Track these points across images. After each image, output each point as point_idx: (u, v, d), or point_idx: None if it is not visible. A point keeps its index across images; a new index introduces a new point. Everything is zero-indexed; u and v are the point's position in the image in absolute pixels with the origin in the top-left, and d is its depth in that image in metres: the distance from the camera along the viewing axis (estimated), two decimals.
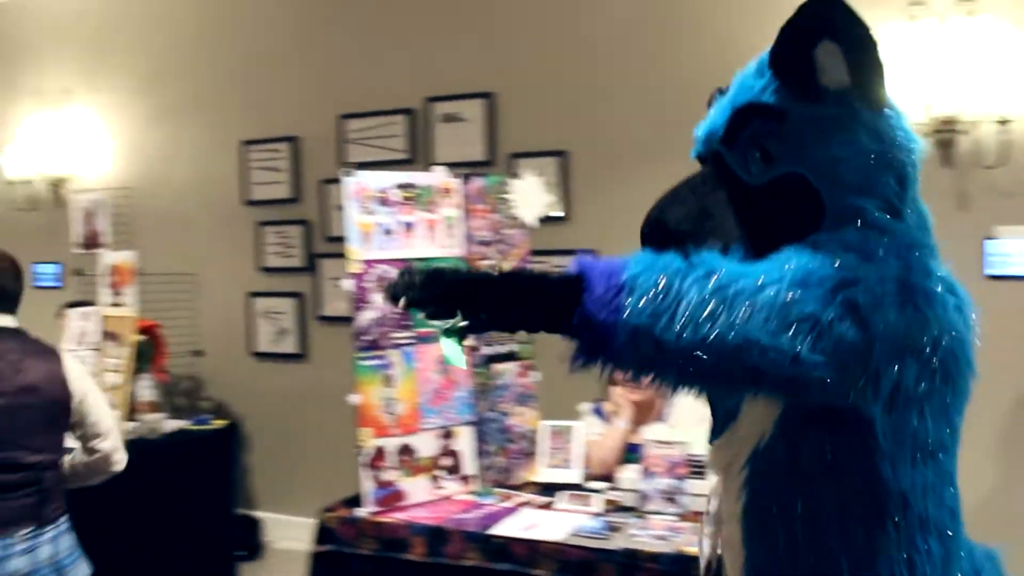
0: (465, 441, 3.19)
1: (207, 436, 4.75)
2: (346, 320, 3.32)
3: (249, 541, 5.21)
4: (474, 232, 3.26)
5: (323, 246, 5.26)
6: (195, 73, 5.63)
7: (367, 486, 3.01)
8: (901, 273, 1.30)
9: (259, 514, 5.41)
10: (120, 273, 4.39)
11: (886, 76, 1.40)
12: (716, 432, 1.57)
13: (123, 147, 5.90)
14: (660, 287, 1.23)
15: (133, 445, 4.28)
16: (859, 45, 1.36)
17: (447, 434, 3.16)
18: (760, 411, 1.43)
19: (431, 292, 1.29)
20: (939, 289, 1.32)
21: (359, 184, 3.15)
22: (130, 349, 4.23)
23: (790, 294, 1.24)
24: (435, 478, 3.14)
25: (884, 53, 1.38)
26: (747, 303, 1.23)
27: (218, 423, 4.85)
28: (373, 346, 3.06)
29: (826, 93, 1.38)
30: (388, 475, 3.04)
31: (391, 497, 3.03)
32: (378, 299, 3.04)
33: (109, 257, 4.44)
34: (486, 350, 3.24)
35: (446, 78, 4.89)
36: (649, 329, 1.22)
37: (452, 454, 3.17)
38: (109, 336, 4.31)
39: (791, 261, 1.29)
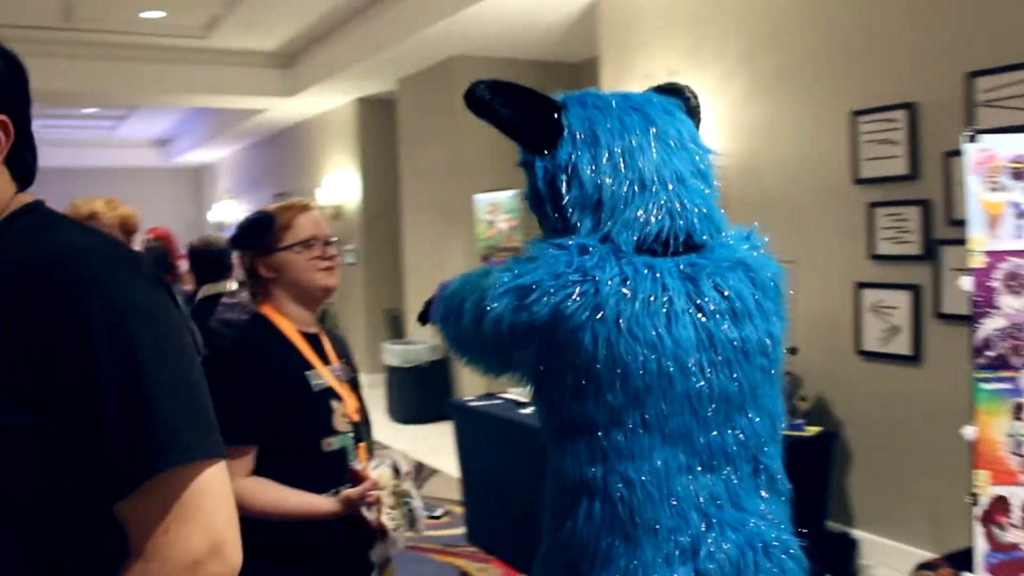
0: None
1: (798, 443, 4.25)
2: (970, 320, 2.60)
3: (841, 563, 4.62)
4: None
5: (946, 231, 4.44)
6: (798, 40, 5.13)
7: (980, 546, 2.30)
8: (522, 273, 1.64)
9: (857, 533, 4.78)
10: None
11: (541, 124, 1.71)
12: None
13: (723, 125, 5.61)
14: (445, 305, 1.95)
15: None
16: (488, 115, 1.75)
17: None
18: None
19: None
20: (567, 279, 1.58)
21: (985, 152, 2.44)
22: None
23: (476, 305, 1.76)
24: None
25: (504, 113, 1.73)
26: (462, 314, 1.83)
27: (811, 430, 4.32)
28: (998, 364, 2.34)
29: (520, 151, 1.80)
30: (1011, 535, 2.31)
31: (1010, 566, 2.28)
32: (1008, 303, 2.31)
33: None
34: None
35: None
36: (443, 331, 1.99)
37: None
38: None
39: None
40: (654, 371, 1.55)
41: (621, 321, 1.55)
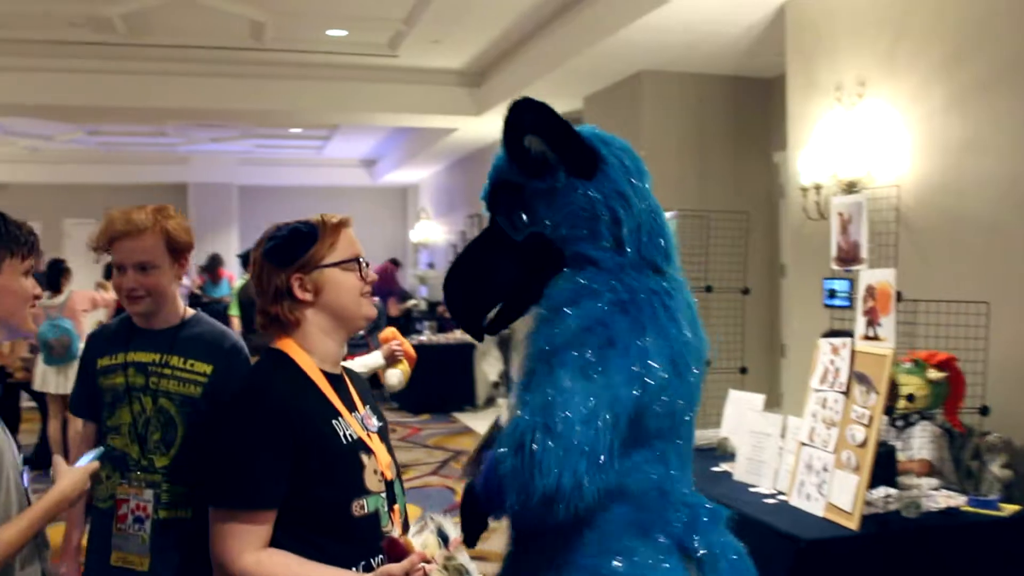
0: None
1: (990, 524, 3.48)
2: None
3: None
4: None
5: None
6: (1008, 43, 4.35)
7: None
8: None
9: None
10: (879, 297, 3.41)
11: (588, 149, 1.91)
12: None
13: (916, 141, 4.87)
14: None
15: (879, 521, 3.30)
16: (552, 133, 1.89)
17: None
18: None
19: None
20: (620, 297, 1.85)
21: None
22: (881, 396, 3.24)
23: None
24: None
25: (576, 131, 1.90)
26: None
27: (1008, 508, 3.54)
28: None
29: (547, 169, 1.91)
30: None
31: None
32: None
33: (865, 276, 3.50)
34: None
35: None
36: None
37: None
38: (859, 378, 3.37)
39: None
40: (692, 372, 1.86)
41: (682, 323, 1.87)
